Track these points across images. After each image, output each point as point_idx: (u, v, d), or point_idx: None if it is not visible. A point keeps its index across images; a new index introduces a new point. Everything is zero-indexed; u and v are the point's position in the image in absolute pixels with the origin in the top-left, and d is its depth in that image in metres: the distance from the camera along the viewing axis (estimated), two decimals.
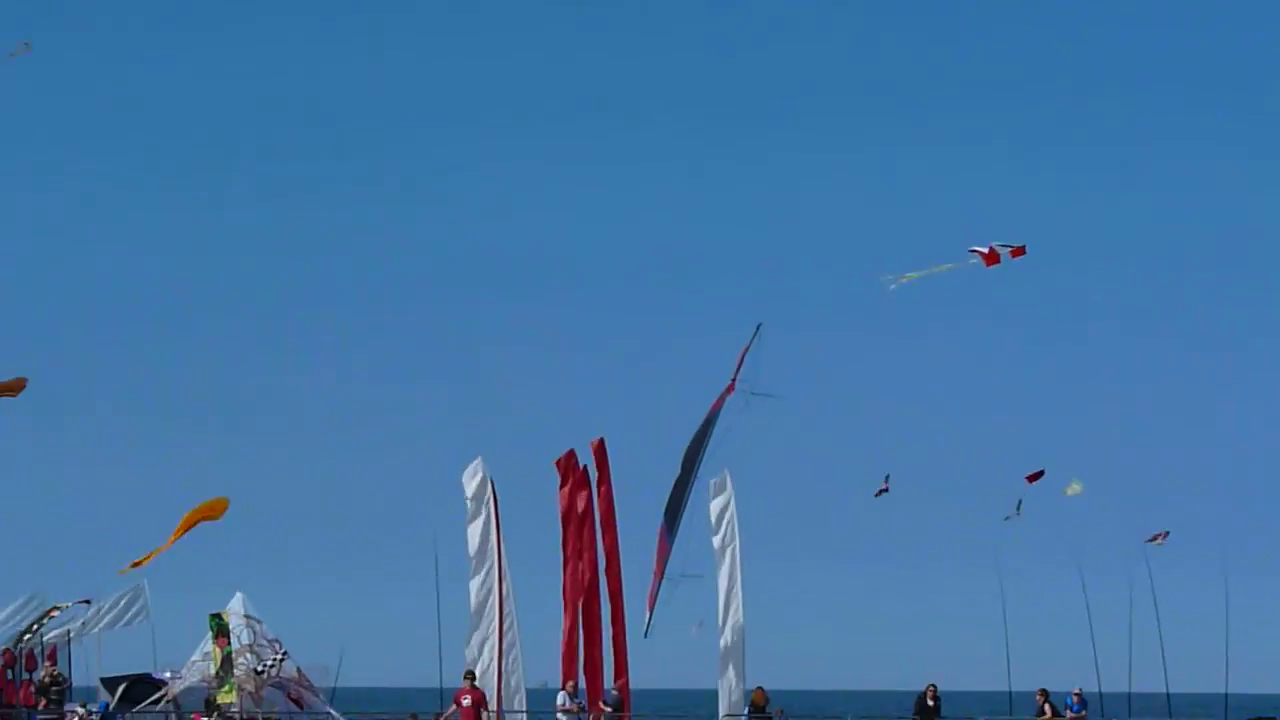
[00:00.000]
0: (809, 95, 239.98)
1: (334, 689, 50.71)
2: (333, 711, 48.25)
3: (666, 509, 25.53)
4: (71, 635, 45.95)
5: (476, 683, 40.12)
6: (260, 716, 44.52)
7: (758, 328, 24.89)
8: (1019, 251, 36.16)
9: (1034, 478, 49.32)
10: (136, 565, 43.42)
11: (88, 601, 45.57)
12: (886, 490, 50.11)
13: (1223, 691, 50.89)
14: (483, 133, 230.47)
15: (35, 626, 45.39)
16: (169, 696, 45.29)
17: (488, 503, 45.67)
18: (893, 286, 37.34)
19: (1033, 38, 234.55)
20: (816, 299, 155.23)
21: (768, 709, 46.46)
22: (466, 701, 38.32)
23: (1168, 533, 50.09)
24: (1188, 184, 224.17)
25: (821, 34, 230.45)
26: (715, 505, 46.47)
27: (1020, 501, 50.57)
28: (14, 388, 42.61)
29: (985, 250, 36.47)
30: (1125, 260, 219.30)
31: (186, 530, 42.58)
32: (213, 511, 42.54)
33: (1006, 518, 51.21)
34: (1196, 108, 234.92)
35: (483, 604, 45.80)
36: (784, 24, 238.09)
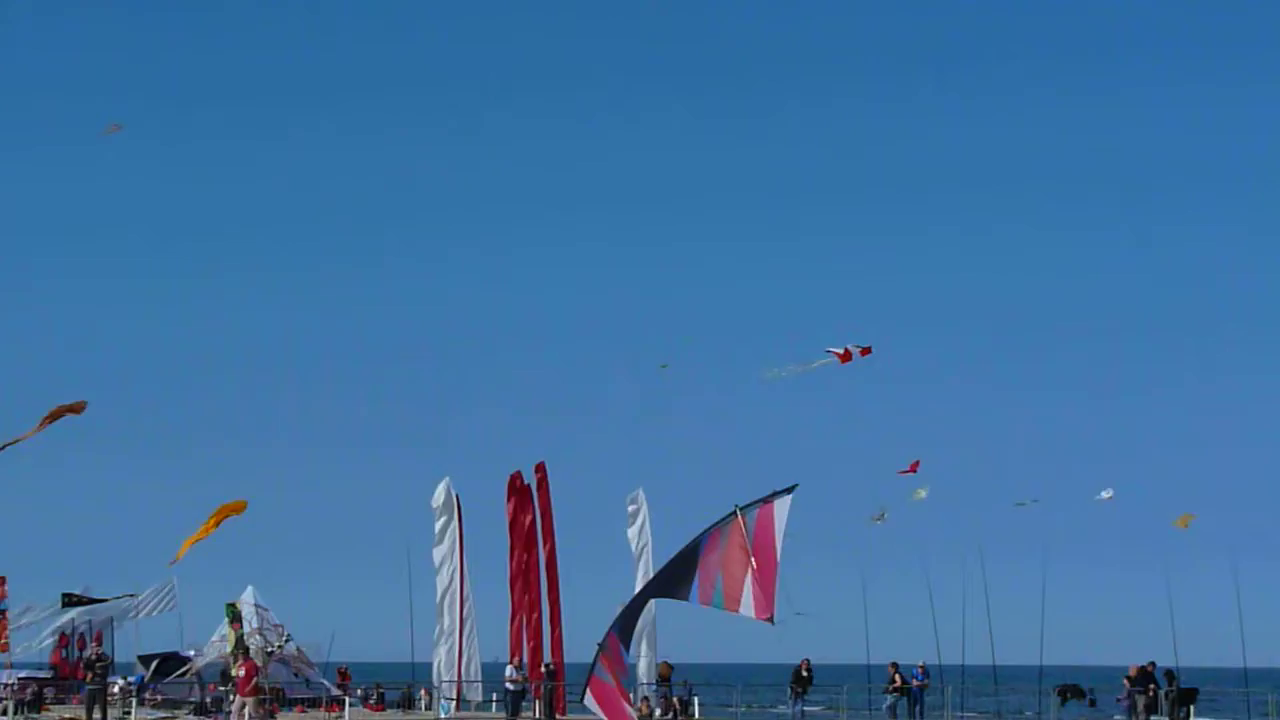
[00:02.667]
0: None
1: (325, 663, 56.67)
2: (325, 681, 54.57)
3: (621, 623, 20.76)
4: (114, 620, 51.52)
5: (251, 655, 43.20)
6: (267, 686, 50.46)
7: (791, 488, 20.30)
8: (866, 351, 39.58)
9: (910, 470, 49.92)
10: (177, 559, 48.13)
11: (133, 595, 50.79)
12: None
13: (1038, 664, 53.53)
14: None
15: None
16: (193, 670, 51.03)
17: (452, 513, 52.41)
18: (769, 377, 41.42)
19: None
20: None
21: (671, 679, 50.08)
22: (242, 672, 39.80)
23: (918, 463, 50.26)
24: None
25: None
26: (632, 509, 52.84)
27: (884, 511, 51.40)
28: (76, 408, 47.37)
29: (840, 351, 40.23)
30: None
31: (217, 523, 46.83)
32: (236, 509, 46.58)
33: (873, 519, 51.62)
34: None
35: (446, 595, 52.43)
36: None
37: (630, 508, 53.10)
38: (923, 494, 51.37)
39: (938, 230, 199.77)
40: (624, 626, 20.29)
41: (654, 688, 49.91)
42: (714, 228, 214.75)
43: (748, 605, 19.51)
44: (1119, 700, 49.14)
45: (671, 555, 20.83)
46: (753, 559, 19.69)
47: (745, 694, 52.75)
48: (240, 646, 48.43)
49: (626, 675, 20.95)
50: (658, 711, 47.33)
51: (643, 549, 52.53)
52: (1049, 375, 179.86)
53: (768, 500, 20.02)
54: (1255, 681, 51.73)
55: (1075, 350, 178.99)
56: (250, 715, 37.66)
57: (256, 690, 38.15)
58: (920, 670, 50.27)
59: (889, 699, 49.09)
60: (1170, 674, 47.76)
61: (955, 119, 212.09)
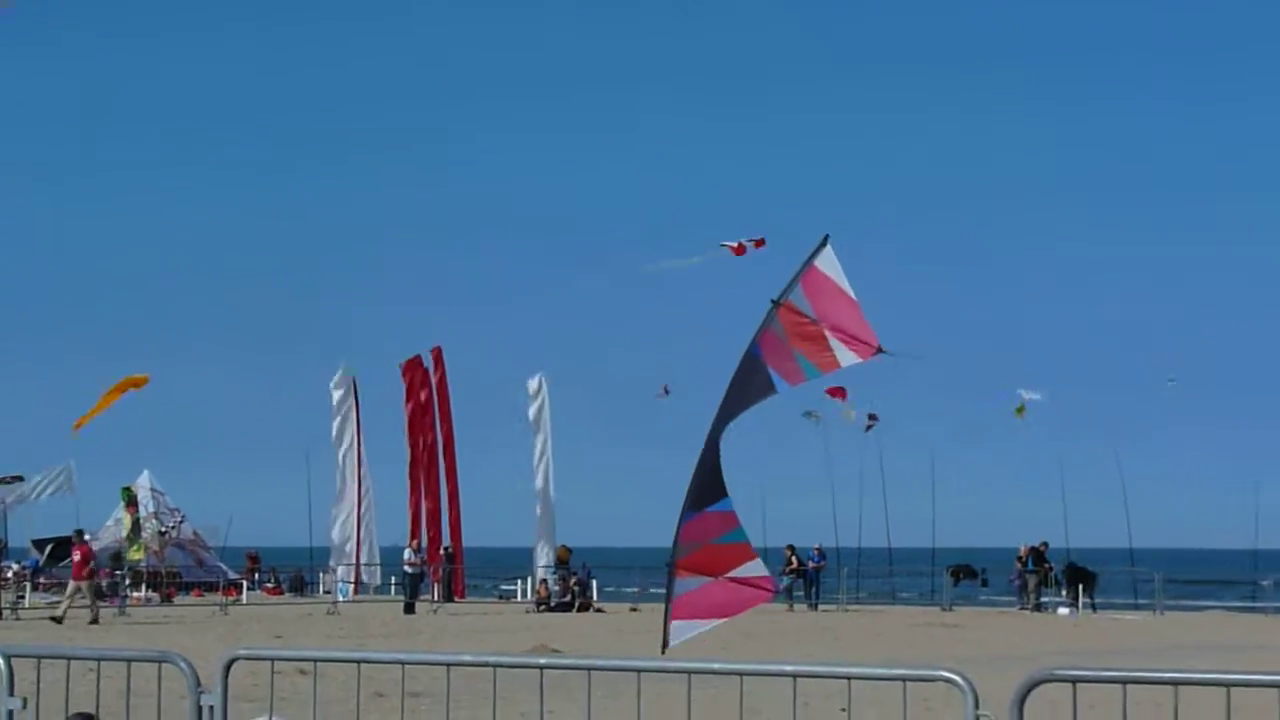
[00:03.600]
0: None
1: (223, 547, 56.54)
2: (222, 564, 54.06)
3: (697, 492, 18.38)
4: (7, 504, 49.62)
5: (86, 537, 40.86)
6: (164, 569, 50.46)
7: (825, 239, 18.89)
8: (760, 243, 40.28)
9: (836, 392, 51.07)
10: (77, 427, 46.62)
11: (19, 477, 49.11)
12: (666, 393, 53.64)
13: (932, 546, 55.41)
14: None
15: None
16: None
17: (349, 396, 52.38)
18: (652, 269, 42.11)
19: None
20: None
21: (570, 562, 50.87)
22: (77, 556, 37.96)
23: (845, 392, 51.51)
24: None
25: None
26: (533, 406, 52.99)
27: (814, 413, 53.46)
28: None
29: (734, 244, 40.74)
30: None
31: (119, 394, 45.84)
32: (137, 383, 45.38)
33: (807, 414, 53.80)
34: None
35: (344, 480, 52.63)
36: None
37: (531, 388, 53.28)
38: (852, 415, 53.07)
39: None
40: (699, 494, 19.07)
41: (553, 570, 50.38)
42: (618, 116, 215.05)
43: (847, 355, 18.79)
44: (1011, 580, 50.71)
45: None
46: (822, 321, 18.81)
47: (643, 576, 52.92)
48: (136, 530, 49.00)
49: (732, 526, 19.34)
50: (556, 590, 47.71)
51: (542, 430, 52.83)
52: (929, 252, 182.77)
53: (805, 270, 19.12)
54: (1140, 561, 53.06)
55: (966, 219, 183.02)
56: (81, 598, 37.12)
57: (90, 574, 37.70)
58: (817, 552, 51.06)
59: (785, 580, 49.12)
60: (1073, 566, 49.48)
61: None
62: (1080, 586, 48.79)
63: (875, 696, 10.18)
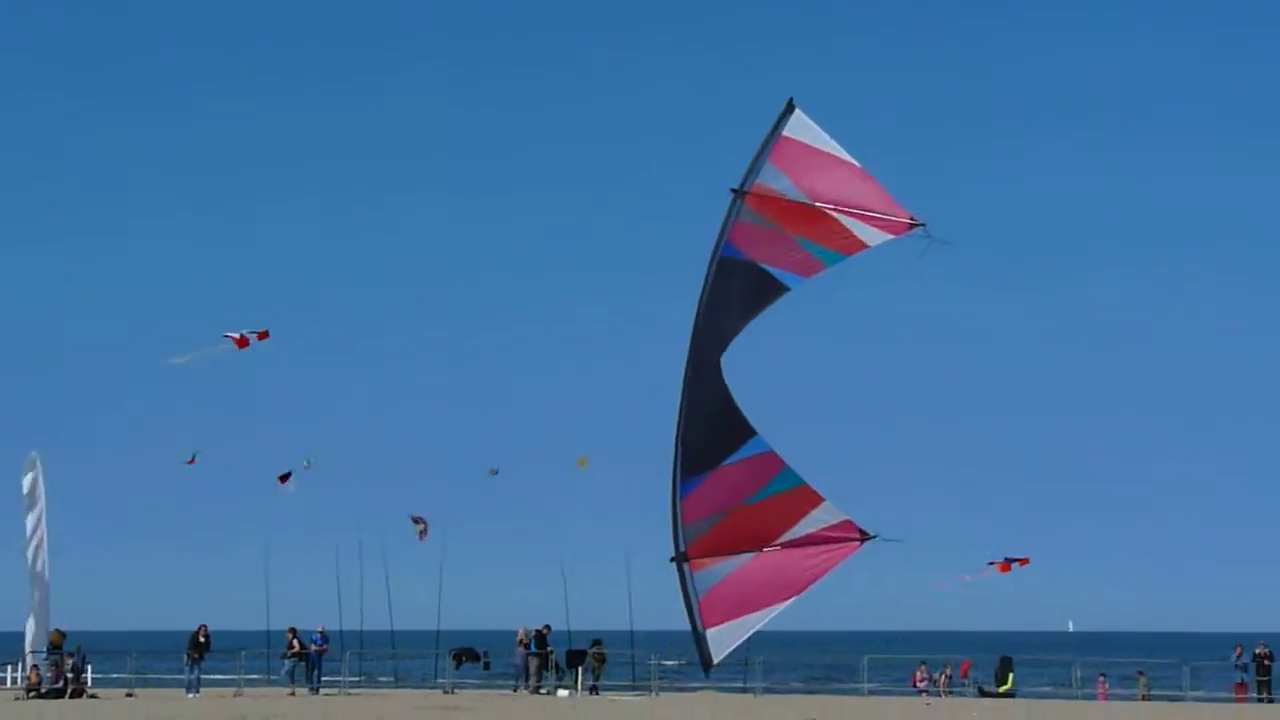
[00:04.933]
0: None
1: None
2: None
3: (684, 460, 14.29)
4: None
5: None
6: None
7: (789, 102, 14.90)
8: (264, 335, 39.97)
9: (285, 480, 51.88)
10: None
11: None
12: (193, 463, 51.88)
13: (436, 628, 54.52)
14: None
15: None
16: None
17: None
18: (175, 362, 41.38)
19: None
20: None
21: (63, 646, 47.26)
22: None
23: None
24: None
25: None
26: (26, 480, 50.26)
27: (307, 461, 52.32)
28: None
29: (237, 336, 41.01)
30: None
31: None
32: None
33: (301, 466, 52.15)
34: None
35: None
36: None
37: (26, 465, 50.99)
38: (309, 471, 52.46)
39: None
40: (704, 447, 15.36)
41: (44, 656, 47.81)
42: None
43: (872, 234, 15.56)
44: (514, 663, 51.05)
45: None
46: (820, 200, 15.53)
47: (140, 660, 51.78)
48: None
49: (775, 472, 15.40)
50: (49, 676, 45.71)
51: (37, 507, 50.32)
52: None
53: (772, 143, 15.82)
54: (640, 644, 53.84)
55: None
56: None
57: None
58: (319, 634, 50.38)
59: (287, 664, 49.15)
60: (597, 641, 49.75)
61: None
62: (579, 669, 49.35)
63: None
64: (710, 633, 15.02)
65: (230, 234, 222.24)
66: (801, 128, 15.75)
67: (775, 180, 15.64)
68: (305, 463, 52.77)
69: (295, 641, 49.62)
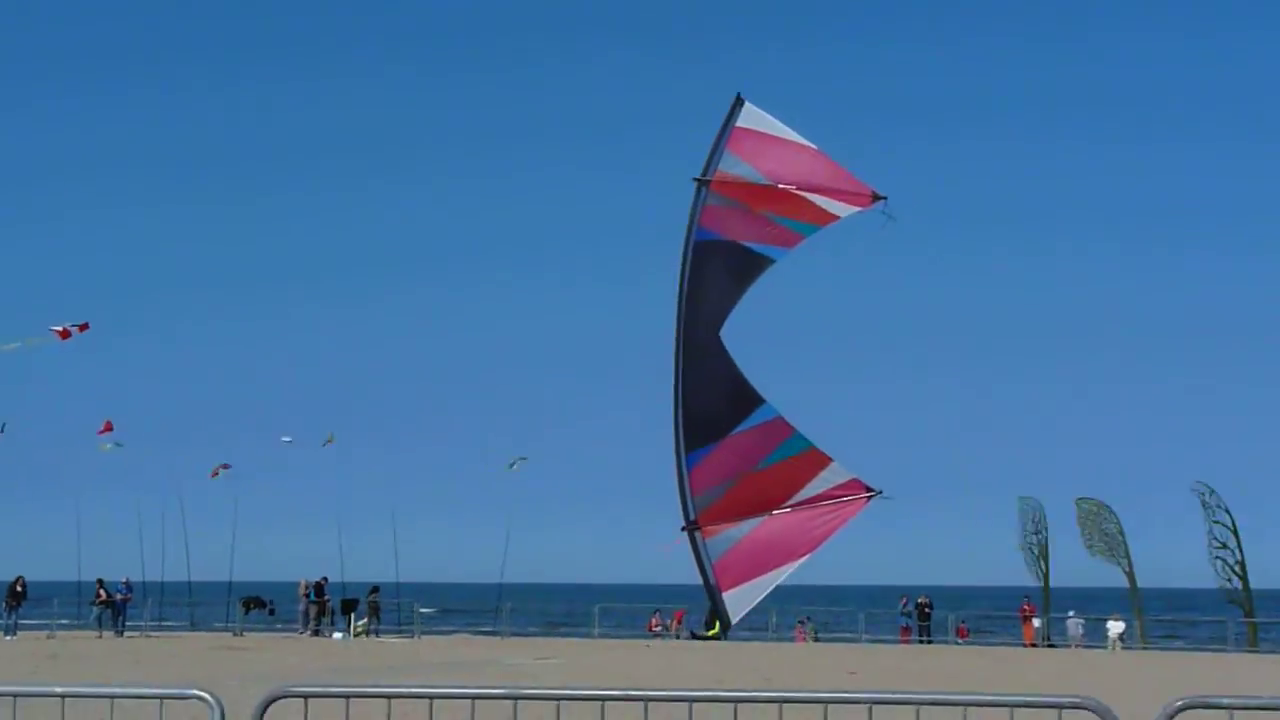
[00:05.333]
0: None
1: None
2: None
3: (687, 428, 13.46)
4: None
5: None
6: None
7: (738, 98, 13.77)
8: (84, 327, 42.74)
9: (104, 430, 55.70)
10: None
11: None
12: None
13: (229, 579, 58.14)
14: None
15: None
16: None
17: None
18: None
19: None
20: None
21: None
22: None
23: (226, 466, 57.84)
24: None
25: None
26: None
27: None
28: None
29: (60, 329, 41.98)
30: None
31: None
32: None
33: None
34: None
35: None
36: None
37: None
38: (108, 447, 57.12)
39: None
40: (710, 419, 13.61)
41: None
42: None
43: (840, 207, 13.72)
44: (298, 611, 55.26)
45: None
46: (781, 182, 14.02)
47: None
48: None
49: (783, 437, 13.84)
50: None
51: None
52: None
53: (727, 135, 14.09)
54: (406, 593, 58.24)
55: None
56: None
57: None
58: (124, 584, 53.40)
59: (95, 610, 52.09)
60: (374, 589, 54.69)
61: None
62: (351, 614, 53.54)
63: (140, 714, 10.85)
64: (728, 595, 11.74)
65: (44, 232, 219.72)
66: (754, 118, 14.49)
67: (736, 167, 14.12)
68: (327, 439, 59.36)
69: (102, 591, 52.33)
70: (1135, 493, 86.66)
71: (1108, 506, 52.18)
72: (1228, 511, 51.28)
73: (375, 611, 55.00)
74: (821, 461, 12.51)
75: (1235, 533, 51.02)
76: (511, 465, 57.44)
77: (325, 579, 55.54)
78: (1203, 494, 51.23)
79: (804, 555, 12.33)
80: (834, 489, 12.36)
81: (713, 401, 11.96)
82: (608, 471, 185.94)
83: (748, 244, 13.98)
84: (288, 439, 60.92)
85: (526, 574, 67.19)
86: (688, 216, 13.19)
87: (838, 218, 14.08)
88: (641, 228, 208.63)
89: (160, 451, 79.92)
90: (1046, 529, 53.35)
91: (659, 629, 55.78)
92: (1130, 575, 52.19)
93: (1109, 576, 51.76)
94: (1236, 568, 50.90)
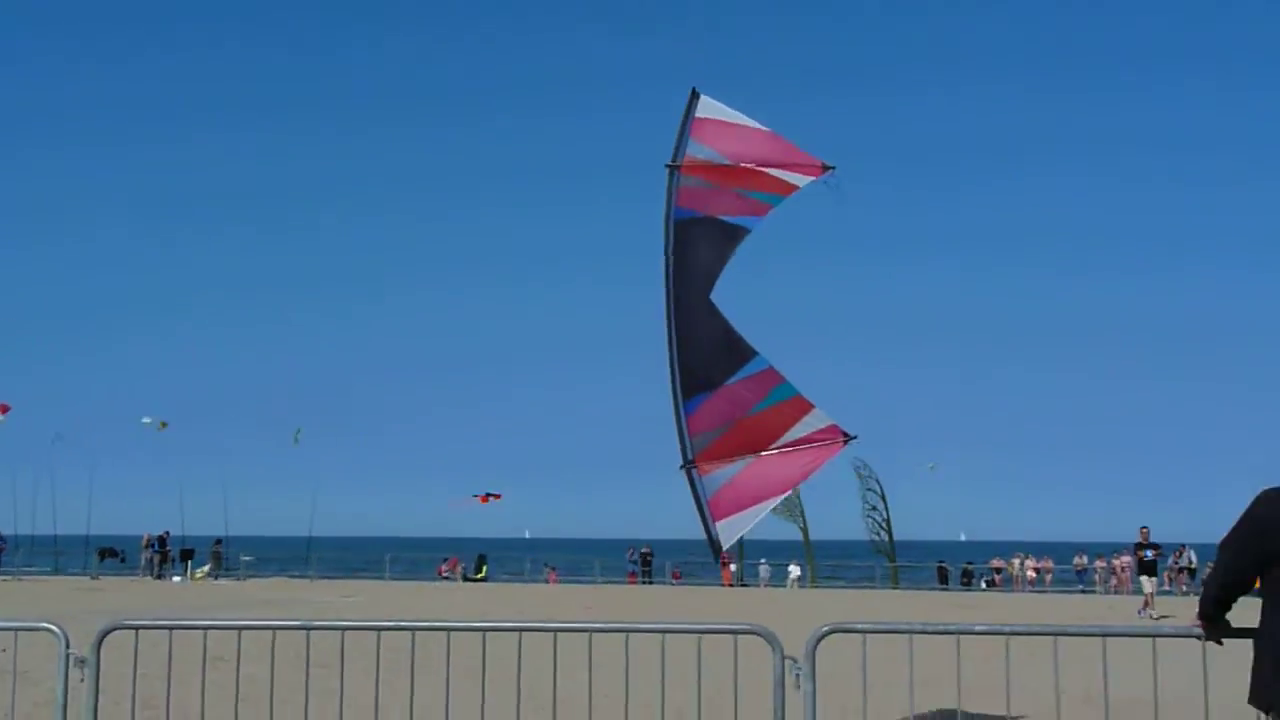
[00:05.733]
0: None
1: None
2: None
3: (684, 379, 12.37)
4: None
5: None
6: None
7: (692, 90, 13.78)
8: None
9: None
10: None
11: None
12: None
13: (86, 533, 55.79)
14: None
15: None
16: None
17: None
18: None
19: None
20: None
21: None
22: None
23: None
24: None
25: None
26: None
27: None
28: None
29: None
30: None
31: None
32: None
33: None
34: None
35: None
36: None
37: None
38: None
39: None
40: (705, 370, 13.13)
41: None
42: None
43: (797, 178, 14.16)
44: (147, 558, 54.06)
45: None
46: (743, 161, 14.15)
47: None
48: None
49: (773, 385, 13.23)
50: None
51: None
52: None
53: (689, 126, 14.06)
54: (236, 545, 57.48)
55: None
56: None
57: None
58: None
59: None
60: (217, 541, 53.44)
61: None
62: (189, 561, 53.03)
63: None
64: (719, 525, 13.41)
65: None
66: (711, 109, 14.80)
67: (701, 152, 14.54)
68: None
69: None
70: None
71: None
72: (878, 481, 54.48)
73: (218, 560, 53.89)
74: (805, 408, 11.62)
75: (883, 498, 54.11)
76: (295, 438, 58.06)
77: (167, 533, 54.94)
78: (859, 468, 54.18)
79: (786, 491, 11.80)
80: (816, 433, 11.80)
81: (707, 356, 11.03)
82: (404, 442, 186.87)
83: (724, 217, 12.34)
84: (147, 420, 58.56)
85: (337, 529, 66.79)
86: (664, 201, 12.09)
87: (797, 187, 12.69)
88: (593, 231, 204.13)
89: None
90: None
91: (447, 574, 56.40)
92: (805, 531, 53.99)
93: (789, 531, 53.44)
94: (884, 525, 53.70)
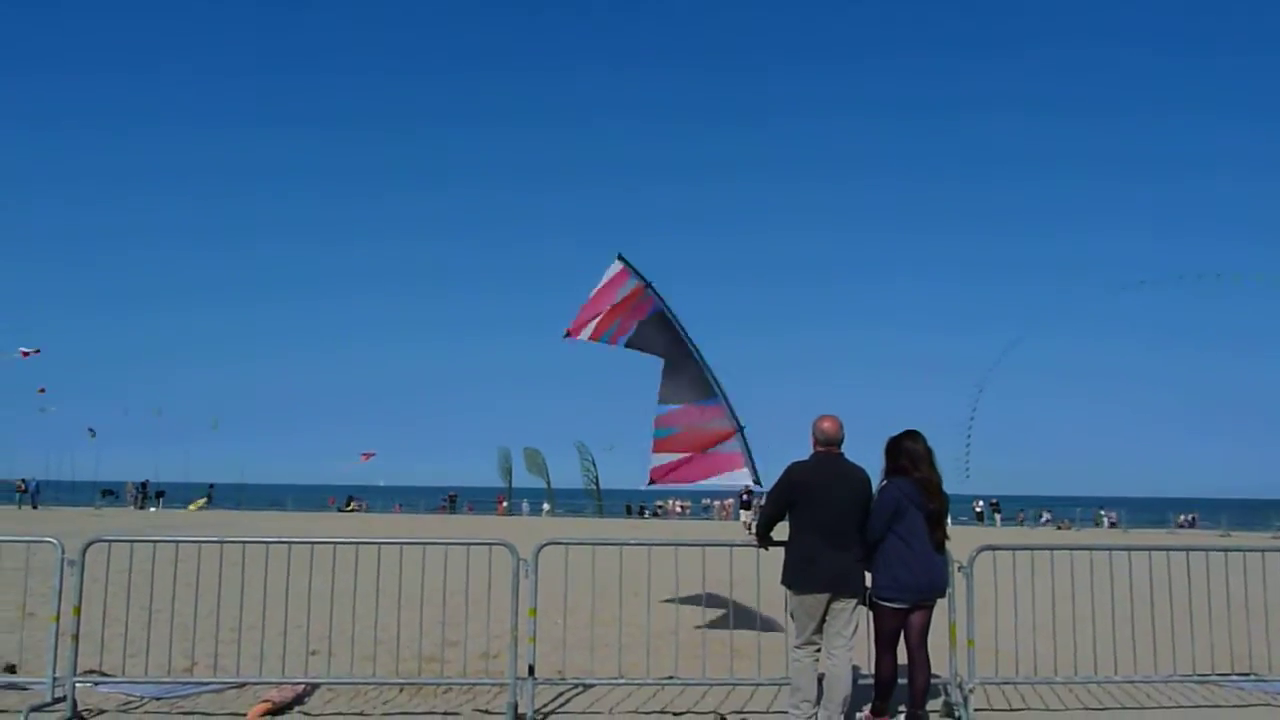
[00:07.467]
0: None
1: None
2: None
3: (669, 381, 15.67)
4: None
5: None
6: None
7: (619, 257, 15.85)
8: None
9: None
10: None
11: None
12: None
13: (94, 479, 72.00)
14: None
15: None
16: None
17: None
18: None
19: None
20: None
21: None
22: None
23: None
24: None
25: None
26: None
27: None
28: None
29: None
30: None
31: None
32: None
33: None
34: None
35: None
36: None
37: None
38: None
39: None
40: (679, 392, 15.64)
41: None
42: None
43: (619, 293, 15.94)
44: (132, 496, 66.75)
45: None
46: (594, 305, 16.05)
47: None
48: None
49: (718, 416, 15.69)
50: None
51: None
52: None
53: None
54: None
55: None
56: None
57: None
58: (34, 482, 63.35)
59: (17, 496, 62.46)
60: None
61: None
62: (160, 499, 68.05)
63: (12, 551, 16.40)
64: (651, 486, 15.75)
65: None
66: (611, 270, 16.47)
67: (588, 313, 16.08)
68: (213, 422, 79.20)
69: (21, 484, 63.87)
70: (551, 445, 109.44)
71: (538, 450, 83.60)
72: (591, 455, 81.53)
73: (209, 498, 72.29)
74: (729, 434, 14.42)
75: (594, 464, 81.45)
76: (214, 425, 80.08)
77: (147, 481, 70.03)
78: (579, 447, 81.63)
79: (701, 480, 15.08)
80: (728, 454, 14.68)
81: (686, 382, 14.19)
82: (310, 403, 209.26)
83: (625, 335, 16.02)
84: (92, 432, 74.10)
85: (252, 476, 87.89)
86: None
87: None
88: None
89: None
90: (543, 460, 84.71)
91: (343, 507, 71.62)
92: (548, 481, 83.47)
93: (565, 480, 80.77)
94: (595, 482, 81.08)
